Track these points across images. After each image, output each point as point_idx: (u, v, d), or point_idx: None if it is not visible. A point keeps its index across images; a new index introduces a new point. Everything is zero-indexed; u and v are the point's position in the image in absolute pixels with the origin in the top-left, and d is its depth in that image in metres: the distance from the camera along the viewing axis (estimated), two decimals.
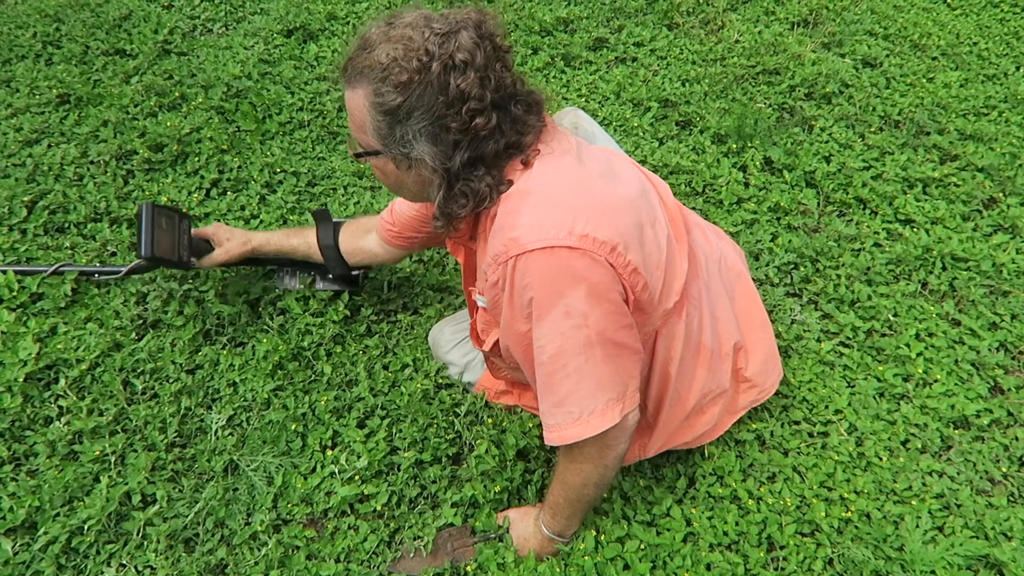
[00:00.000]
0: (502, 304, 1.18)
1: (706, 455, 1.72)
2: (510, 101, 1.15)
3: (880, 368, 1.93)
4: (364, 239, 1.77)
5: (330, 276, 1.91)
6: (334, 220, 1.81)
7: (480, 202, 1.17)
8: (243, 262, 1.86)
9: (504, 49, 1.14)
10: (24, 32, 2.75)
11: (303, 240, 1.83)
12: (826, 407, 1.85)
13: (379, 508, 1.59)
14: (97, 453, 1.62)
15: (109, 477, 1.58)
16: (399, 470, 1.65)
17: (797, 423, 1.82)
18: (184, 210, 1.84)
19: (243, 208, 2.20)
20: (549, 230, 1.09)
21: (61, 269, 1.90)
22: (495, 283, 1.17)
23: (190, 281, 1.98)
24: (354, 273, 1.89)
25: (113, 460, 1.61)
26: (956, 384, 1.91)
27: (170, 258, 1.67)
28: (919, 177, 2.47)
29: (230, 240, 1.80)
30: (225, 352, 1.84)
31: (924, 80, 2.89)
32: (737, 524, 1.61)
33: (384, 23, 1.11)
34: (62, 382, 1.74)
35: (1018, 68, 3.01)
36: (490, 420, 1.72)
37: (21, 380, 1.71)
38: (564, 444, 1.22)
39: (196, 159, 2.31)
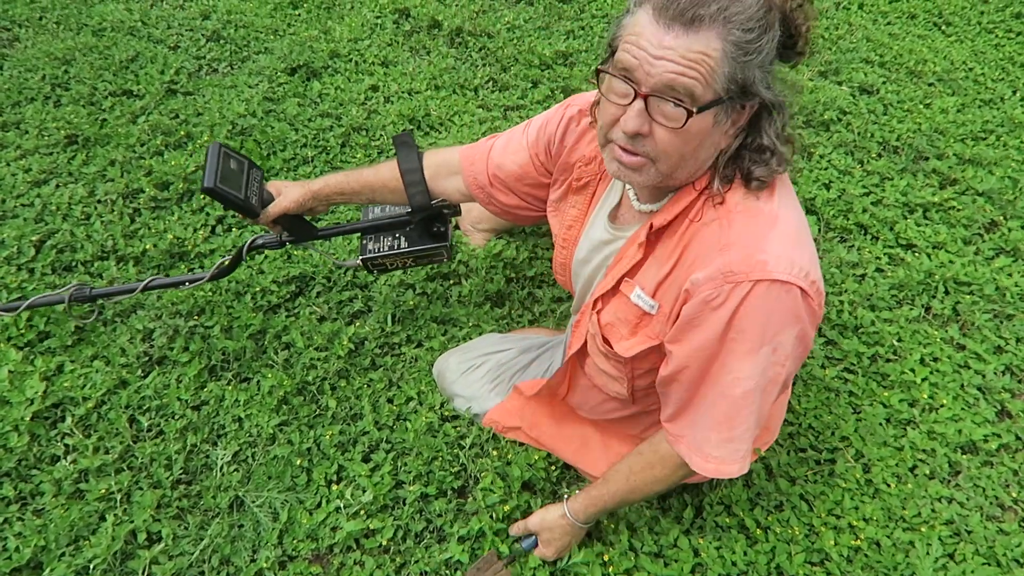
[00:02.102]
0: (703, 321, 1.10)
1: (713, 484, 1.71)
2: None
3: (886, 394, 1.92)
4: (447, 180, 1.61)
5: (415, 234, 1.74)
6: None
7: (771, 170, 1.11)
8: (309, 216, 1.72)
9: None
10: (33, 75, 2.80)
11: (375, 174, 1.63)
12: (832, 434, 1.84)
13: (385, 543, 1.58)
14: (103, 491, 1.62)
15: (115, 515, 1.58)
16: (404, 504, 1.64)
17: (803, 450, 1.81)
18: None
19: None
20: (796, 267, 1.06)
21: (151, 285, 1.81)
22: (707, 300, 1.08)
23: (195, 317, 1.99)
24: (439, 230, 1.72)
25: (119, 498, 1.61)
26: (963, 409, 1.90)
27: (236, 196, 1.52)
28: (919, 202, 2.48)
29: (288, 188, 1.64)
30: (230, 388, 1.85)
31: (921, 106, 2.92)
32: (745, 554, 1.60)
33: None
34: (68, 420, 1.75)
35: (1014, 92, 3.03)
36: (495, 452, 1.72)
37: (28, 419, 1.72)
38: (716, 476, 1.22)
39: (202, 197, 2.34)
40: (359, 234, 1.79)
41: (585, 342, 1.38)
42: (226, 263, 1.78)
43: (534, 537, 1.55)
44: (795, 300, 1.07)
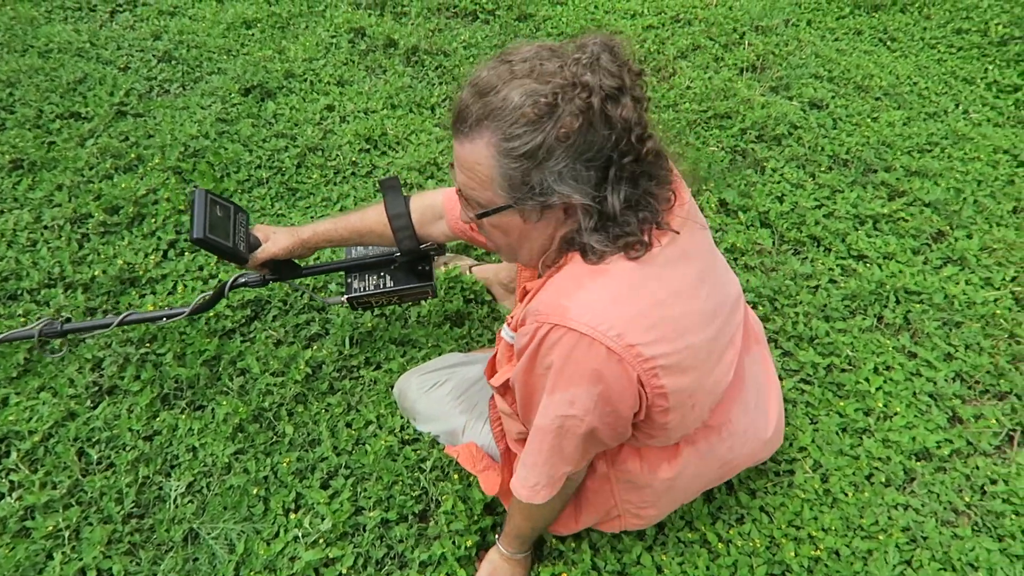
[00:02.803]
0: (518, 355, 1.13)
1: None
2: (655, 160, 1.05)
3: (841, 403, 1.95)
4: (433, 225, 1.62)
5: (400, 273, 1.74)
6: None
7: (631, 245, 1.06)
8: (295, 259, 1.71)
9: (637, 73, 1.02)
10: None
11: (361, 220, 1.64)
12: (790, 445, 1.86)
13: (345, 572, 1.55)
14: (50, 528, 1.56)
15: (63, 553, 1.53)
16: (365, 531, 1.62)
17: (763, 462, 1.83)
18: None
19: (201, 268, 2.18)
20: (606, 324, 1.02)
21: (128, 320, 1.77)
22: (526, 335, 1.09)
23: (147, 344, 1.94)
24: (424, 269, 1.74)
25: (67, 535, 1.56)
26: (916, 416, 1.93)
27: (224, 244, 1.51)
28: (869, 214, 2.54)
29: (276, 234, 1.64)
30: (184, 416, 1.80)
31: (869, 120, 2.99)
32: (708, 568, 1.61)
33: (497, 62, 1.00)
34: (14, 455, 1.69)
35: (957, 106, 3.12)
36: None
37: None
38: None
39: (153, 220, 2.29)
40: (345, 277, 1.80)
41: None
42: (207, 298, 1.76)
43: None
44: (598, 358, 1.03)
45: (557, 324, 1.03)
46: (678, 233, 1.10)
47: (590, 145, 0.97)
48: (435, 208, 1.61)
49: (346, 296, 1.74)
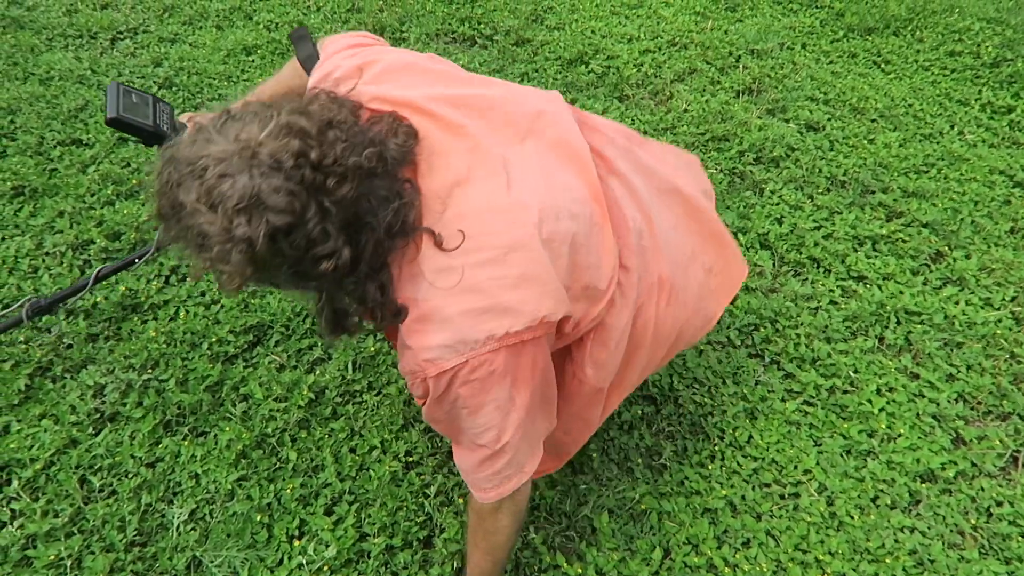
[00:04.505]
0: (430, 403, 1.11)
1: (680, 523, 1.71)
2: (365, 199, 0.96)
3: (845, 425, 1.95)
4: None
5: None
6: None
7: (375, 308, 1.03)
8: None
9: (327, 168, 0.91)
10: None
11: (276, 80, 1.51)
12: (795, 467, 1.86)
13: None
14: (52, 557, 1.55)
15: None
16: (369, 557, 1.61)
17: (768, 485, 1.82)
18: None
19: (203, 294, 2.18)
20: (463, 345, 1.02)
21: (101, 275, 1.70)
22: (417, 393, 1.10)
23: (149, 370, 1.94)
24: None
25: (69, 564, 1.55)
26: (919, 437, 1.93)
27: (144, 123, 1.45)
28: (868, 235, 2.55)
29: (203, 116, 1.53)
30: (186, 443, 1.80)
31: (865, 141, 3.01)
32: None
33: (191, 177, 0.89)
34: (15, 484, 1.68)
35: (952, 127, 3.15)
36: (461, 500, 1.69)
37: None
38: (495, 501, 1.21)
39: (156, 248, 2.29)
40: None
41: None
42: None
43: None
44: (484, 367, 1.04)
45: (437, 374, 1.03)
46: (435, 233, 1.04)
47: (276, 274, 0.95)
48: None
49: None
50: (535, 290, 1.05)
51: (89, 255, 2.26)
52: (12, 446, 1.74)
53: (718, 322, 2.21)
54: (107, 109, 1.43)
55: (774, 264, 2.45)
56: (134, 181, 2.53)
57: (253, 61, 3.33)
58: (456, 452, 1.21)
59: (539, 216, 1.07)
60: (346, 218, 0.94)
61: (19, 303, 1.78)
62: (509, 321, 1.04)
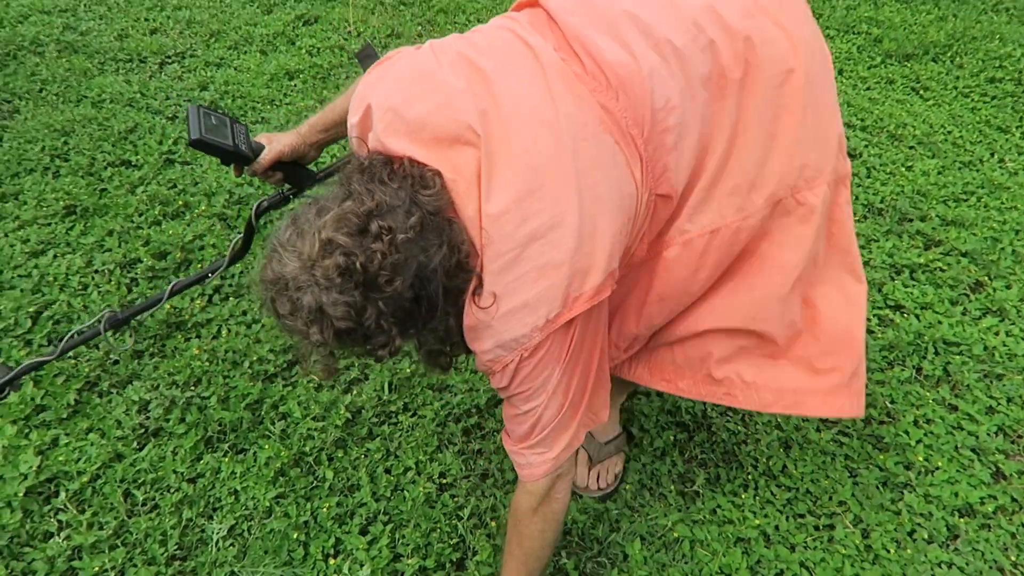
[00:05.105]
0: (509, 393, 1.21)
1: (712, 550, 1.71)
2: (419, 257, 1.04)
3: (881, 456, 1.93)
4: None
5: None
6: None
7: (458, 339, 1.17)
8: (304, 163, 1.64)
9: (375, 271, 0.99)
10: (33, 146, 2.84)
11: (346, 97, 1.52)
12: (830, 498, 1.84)
13: None
14: (96, 569, 1.60)
15: None
16: None
17: (802, 516, 1.81)
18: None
19: (244, 313, 2.23)
20: (513, 343, 1.11)
21: (175, 289, 1.74)
22: (496, 385, 1.20)
23: (192, 387, 1.99)
24: None
25: None
26: (958, 471, 1.91)
27: (225, 143, 1.49)
28: (906, 263, 2.53)
29: (278, 136, 1.57)
30: (227, 459, 1.84)
31: (903, 169, 3.00)
32: None
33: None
34: (62, 495, 1.73)
35: (992, 155, 3.12)
36: (493, 523, 1.71)
37: (21, 495, 1.70)
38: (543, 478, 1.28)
39: (199, 265, 2.36)
40: None
41: None
42: (239, 242, 1.72)
43: None
44: (537, 355, 1.12)
45: (500, 370, 1.14)
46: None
47: (359, 347, 1.07)
48: None
49: None
50: (558, 274, 1.08)
51: (136, 273, 2.34)
52: (60, 459, 1.80)
53: None
54: (190, 131, 1.47)
55: None
56: (180, 202, 2.60)
57: (295, 85, 3.42)
58: (508, 420, 1.28)
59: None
60: (402, 306, 1.04)
61: (97, 316, 1.83)
62: (544, 310, 1.09)
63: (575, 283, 1.09)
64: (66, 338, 1.67)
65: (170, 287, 1.73)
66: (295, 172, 1.62)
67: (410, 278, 1.02)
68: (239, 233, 1.79)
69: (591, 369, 1.23)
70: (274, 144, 1.54)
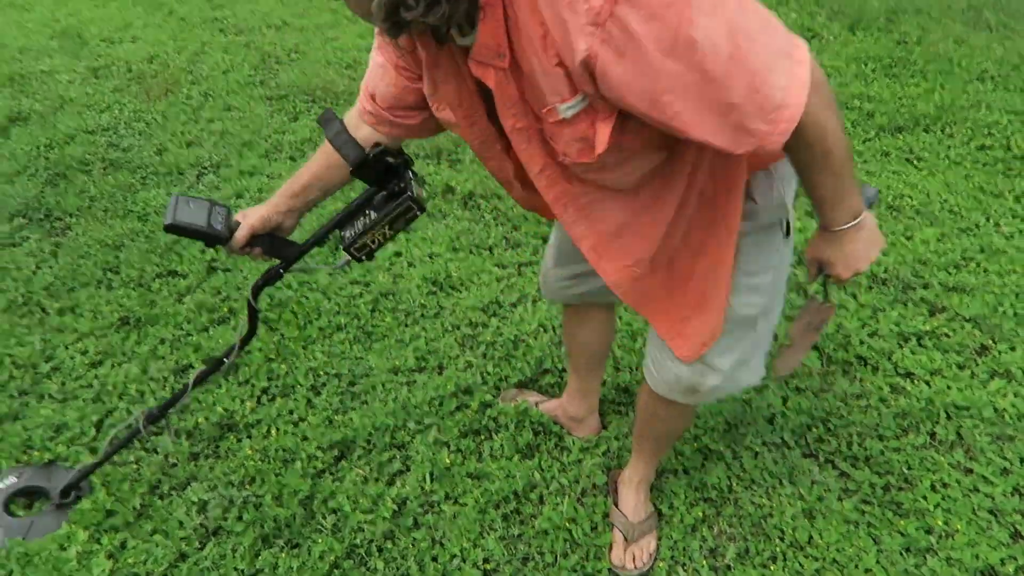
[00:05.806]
0: (624, 70, 0.98)
1: None
2: None
3: (902, 523, 2.02)
4: (360, 131, 1.55)
5: (380, 202, 1.60)
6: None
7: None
8: (284, 234, 1.69)
9: None
10: (86, 261, 3.06)
11: (312, 162, 1.61)
12: (856, 567, 1.93)
13: None
14: None
15: None
16: None
17: None
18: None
19: (291, 412, 2.39)
20: None
21: (197, 380, 1.89)
22: (600, 56, 0.98)
23: (247, 487, 2.13)
24: (399, 187, 1.58)
25: None
26: (977, 533, 1.99)
27: (198, 226, 1.54)
28: (912, 331, 2.66)
29: (251, 209, 1.63)
30: (283, 555, 1.96)
31: (903, 238, 3.15)
32: None
33: None
34: None
35: (987, 219, 3.27)
36: None
37: None
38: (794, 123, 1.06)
39: (247, 369, 2.53)
40: (339, 233, 1.69)
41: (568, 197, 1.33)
42: (244, 330, 1.81)
43: None
44: None
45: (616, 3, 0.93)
46: None
47: None
48: (355, 118, 1.57)
49: (343, 247, 1.65)
50: None
51: (187, 379, 2.50)
52: (130, 561, 1.93)
53: (771, 423, 2.32)
54: (166, 216, 1.56)
55: (822, 364, 2.56)
56: (225, 308, 2.79)
57: None
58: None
59: None
60: None
61: (134, 416, 2.00)
62: None
63: None
64: (108, 439, 1.83)
65: (192, 377, 1.90)
66: (273, 244, 1.66)
67: None
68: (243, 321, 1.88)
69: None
70: (247, 218, 1.59)
